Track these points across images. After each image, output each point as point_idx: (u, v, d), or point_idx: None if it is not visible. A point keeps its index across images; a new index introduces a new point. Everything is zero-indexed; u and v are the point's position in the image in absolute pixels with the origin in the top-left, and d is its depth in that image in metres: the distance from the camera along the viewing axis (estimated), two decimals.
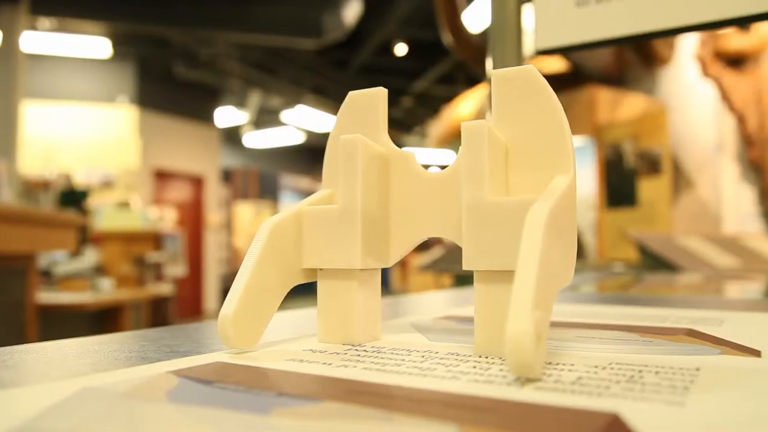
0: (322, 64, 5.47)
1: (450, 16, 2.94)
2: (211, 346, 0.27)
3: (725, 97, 3.06)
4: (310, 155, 8.47)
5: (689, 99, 3.27)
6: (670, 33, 0.51)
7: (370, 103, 0.30)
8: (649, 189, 3.22)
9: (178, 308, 4.76)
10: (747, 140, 3.06)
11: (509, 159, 0.26)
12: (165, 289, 3.60)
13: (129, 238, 3.62)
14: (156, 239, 3.83)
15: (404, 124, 6.89)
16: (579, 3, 0.54)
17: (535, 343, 0.19)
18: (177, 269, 3.98)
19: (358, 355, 0.24)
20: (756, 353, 0.24)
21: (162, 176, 5.35)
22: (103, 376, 0.20)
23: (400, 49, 5.05)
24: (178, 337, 0.30)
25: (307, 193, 7.96)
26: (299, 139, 7.34)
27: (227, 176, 6.53)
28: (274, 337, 0.29)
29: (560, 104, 0.26)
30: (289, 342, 0.28)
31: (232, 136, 7.05)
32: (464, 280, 2.30)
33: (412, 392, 0.18)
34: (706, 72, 3.07)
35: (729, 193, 3.11)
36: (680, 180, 3.27)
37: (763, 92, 3.07)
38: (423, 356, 0.24)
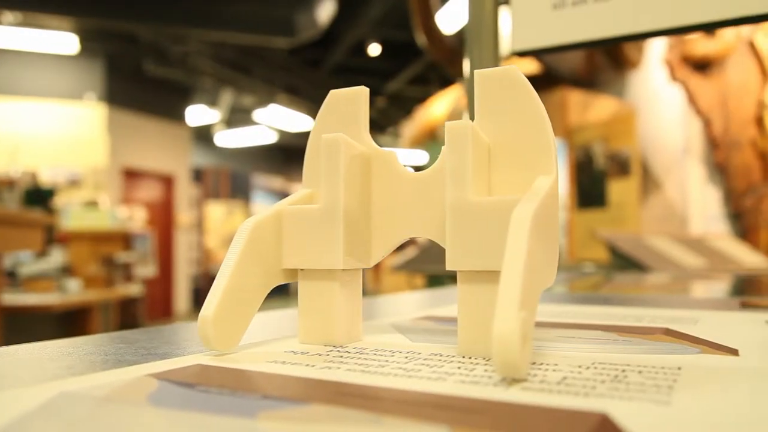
0: (296, 64, 5.44)
1: (424, 17, 2.95)
2: (189, 348, 0.27)
3: (692, 101, 3.13)
4: (282, 155, 8.41)
5: (657, 102, 3.33)
6: (643, 36, 0.52)
7: (352, 102, 0.30)
8: (619, 190, 3.28)
9: (147, 309, 4.69)
10: (713, 143, 3.14)
11: (492, 159, 0.26)
12: (134, 289, 3.54)
13: (97, 237, 3.55)
14: (125, 239, 3.76)
15: (377, 124, 6.89)
16: (555, 5, 0.55)
17: (521, 344, 0.19)
18: (147, 270, 3.91)
19: (341, 357, 0.24)
20: (734, 352, 0.25)
21: (131, 175, 5.26)
22: (80, 380, 0.20)
23: (374, 50, 5.05)
24: (155, 339, 0.29)
25: (279, 193, 7.91)
26: (272, 138, 7.29)
27: (198, 175, 6.45)
28: (252, 339, 0.28)
29: (543, 105, 0.26)
30: (269, 343, 0.28)
31: (203, 134, 6.97)
32: (437, 280, 2.31)
33: (400, 394, 0.18)
34: (673, 76, 3.13)
35: (695, 194, 3.18)
36: (648, 182, 3.34)
37: (727, 96, 3.15)
38: (407, 357, 0.24)
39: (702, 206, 3.17)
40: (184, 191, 5.83)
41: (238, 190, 6.96)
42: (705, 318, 0.37)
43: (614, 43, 0.54)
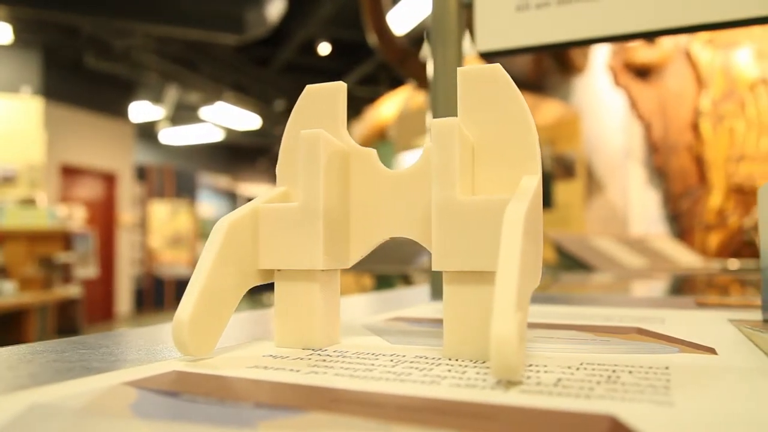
0: (244, 61, 5.35)
1: (375, 17, 2.94)
2: (160, 353, 0.25)
3: (633, 106, 3.25)
4: (229, 153, 8.25)
5: (601, 107, 3.43)
6: (605, 40, 0.53)
7: (329, 97, 0.29)
8: (565, 192, 3.36)
9: (87, 312, 4.52)
10: (653, 147, 3.26)
11: (475, 157, 0.26)
12: (73, 291, 3.40)
13: (34, 237, 3.39)
14: (65, 239, 3.61)
15: None
16: (519, 7, 0.55)
17: (519, 346, 0.18)
18: (88, 270, 3.77)
19: (324, 361, 0.23)
20: (711, 351, 0.25)
21: (70, 172, 5.05)
22: (50, 390, 0.18)
23: (324, 49, 5.02)
24: (120, 344, 0.27)
25: (226, 193, 7.77)
26: (218, 136, 7.14)
27: (142, 173, 6.25)
28: (222, 343, 0.27)
29: (526, 104, 0.26)
30: (243, 347, 0.26)
31: (147, 131, 6.76)
32: (385, 281, 2.31)
33: (398, 399, 0.17)
34: (616, 82, 3.24)
35: (636, 196, 3.29)
36: (592, 184, 3.43)
37: (666, 103, 3.27)
38: (392, 360, 0.23)
39: (642, 208, 3.29)
40: (127, 189, 5.64)
41: (184, 189, 6.79)
42: (670, 317, 0.38)
43: (577, 46, 0.55)
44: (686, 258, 2.51)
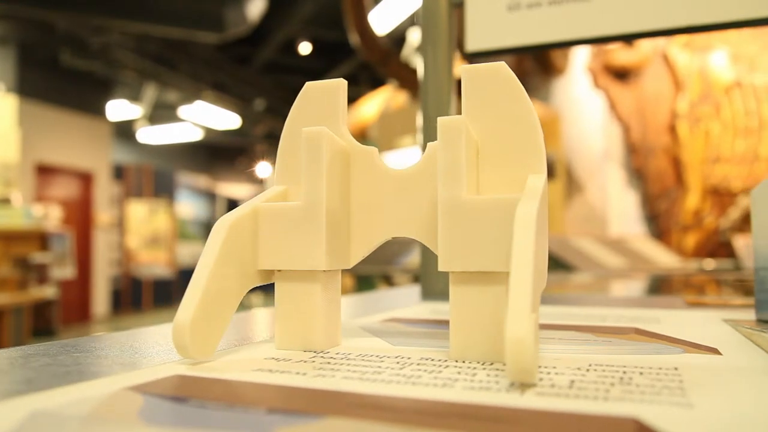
0: (223, 60, 5.30)
1: (357, 17, 2.94)
2: (157, 355, 0.25)
3: (612, 108, 3.28)
4: (208, 153, 8.18)
5: (581, 108, 3.46)
6: (595, 41, 0.53)
7: (329, 94, 0.28)
8: None
9: (63, 313, 4.44)
10: (631, 149, 3.30)
11: (479, 156, 0.26)
12: (49, 292, 3.34)
13: (9, 237, 3.32)
14: (41, 239, 3.54)
15: None
16: (510, 7, 0.55)
17: (534, 348, 0.18)
18: (65, 271, 3.70)
19: (328, 363, 0.23)
20: (715, 351, 0.25)
21: (45, 171, 4.96)
22: (49, 396, 0.17)
23: (304, 48, 4.99)
24: (113, 346, 0.27)
25: (205, 193, 7.69)
26: (197, 136, 7.07)
27: (119, 173, 6.16)
28: (219, 345, 0.27)
29: (532, 103, 0.25)
30: (243, 350, 0.26)
31: (124, 130, 6.67)
32: (366, 281, 2.31)
33: (415, 403, 0.17)
34: (596, 83, 3.27)
35: (615, 197, 3.33)
36: (572, 185, 3.46)
37: (644, 105, 3.32)
38: (398, 362, 0.23)
39: (621, 209, 3.32)
40: (104, 189, 5.56)
41: (162, 189, 6.70)
42: (664, 317, 0.38)
43: (568, 46, 0.55)
44: (664, 258, 2.54)
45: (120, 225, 6.01)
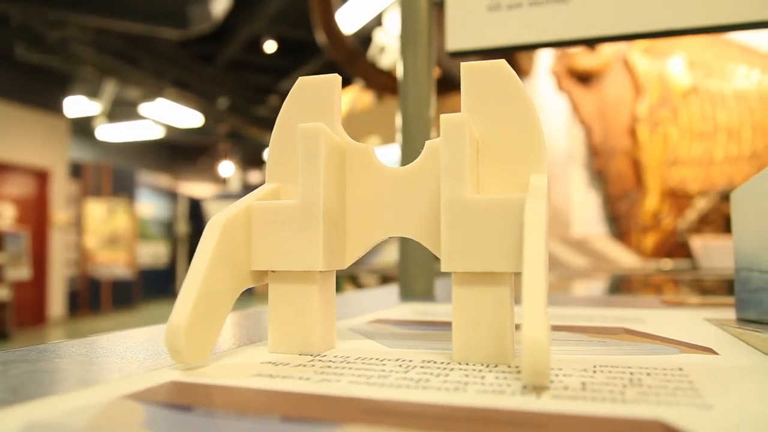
0: (187, 57, 5.21)
1: (324, 16, 2.92)
2: (144, 360, 0.23)
3: (575, 111, 3.34)
4: (170, 151, 8.02)
5: (545, 110, 3.51)
6: (574, 43, 0.54)
7: (324, 90, 0.28)
8: None
9: (16, 315, 4.30)
10: (593, 151, 3.36)
11: (479, 155, 0.25)
12: (2, 294, 3.23)
13: None
14: None
15: (270, 122, 6.74)
16: (491, 8, 0.55)
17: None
18: (20, 272, 3.58)
19: (329, 367, 0.22)
20: (711, 351, 0.25)
21: None
22: (42, 406, 0.16)
23: (270, 47, 4.94)
24: (96, 351, 0.25)
25: (167, 192, 7.54)
26: (158, 134, 6.93)
27: (77, 171, 5.99)
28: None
29: (533, 101, 0.25)
30: (236, 354, 0.25)
31: (83, 127, 6.49)
32: None
33: (434, 409, 0.16)
34: (559, 86, 3.32)
35: (577, 198, 3.39)
36: None
37: (606, 108, 3.38)
38: (400, 365, 0.22)
39: (583, 209, 3.39)
40: (61, 187, 5.40)
41: (122, 188, 6.54)
42: (648, 317, 0.38)
43: (548, 47, 0.55)
44: (625, 258, 2.60)
45: (78, 224, 5.85)
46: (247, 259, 0.25)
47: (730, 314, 0.39)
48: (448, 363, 0.23)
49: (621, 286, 0.97)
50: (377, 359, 0.23)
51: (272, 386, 0.19)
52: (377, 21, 3.69)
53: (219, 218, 0.24)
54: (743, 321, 0.36)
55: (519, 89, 0.25)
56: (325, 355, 0.24)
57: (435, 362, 0.23)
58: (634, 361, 0.23)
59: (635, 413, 0.15)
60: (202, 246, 0.23)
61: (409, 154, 0.55)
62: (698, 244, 2.87)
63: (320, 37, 2.97)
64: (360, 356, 0.24)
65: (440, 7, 0.58)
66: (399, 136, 0.58)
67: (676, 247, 3.26)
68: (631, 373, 0.20)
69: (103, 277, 6.09)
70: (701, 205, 3.30)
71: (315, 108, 0.27)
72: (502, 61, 0.25)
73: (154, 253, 7.00)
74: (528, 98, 0.25)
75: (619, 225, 3.35)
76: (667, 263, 2.78)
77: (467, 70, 0.26)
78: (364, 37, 3.83)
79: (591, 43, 0.53)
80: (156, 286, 7.02)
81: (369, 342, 0.28)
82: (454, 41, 0.57)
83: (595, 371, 0.21)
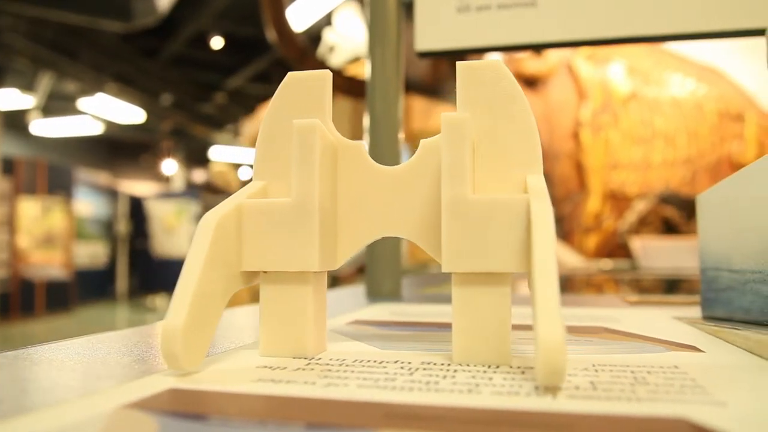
0: (129, 51, 5.05)
1: (274, 13, 2.88)
2: (130, 366, 0.22)
3: None
4: (109, 148, 7.75)
5: None
6: (541, 47, 0.55)
7: (314, 85, 0.27)
8: None
9: None
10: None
11: (475, 155, 0.25)
12: None
13: None
14: None
15: (216, 120, 6.62)
16: (460, 9, 0.56)
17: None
18: None
19: (329, 371, 0.21)
20: (696, 349, 0.26)
21: None
22: (35, 418, 0.15)
23: (216, 43, 4.84)
24: (73, 356, 0.24)
25: (107, 190, 7.28)
26: (97, 130, 6.68)
27: (9, 167, 5.71)
28: None
29: (528, 101, 0.25)
30: (227, 358, 0.24)
31: (15, 121, 6.19)
32: None
33: (455, 412, 0.16)
34: None
35: None
36: None
37: (551, 112, 3.47)
38: (402, 368, 0.22)
39: None
40: None
41: (58, 185, 6.27)
42: (620, 316, 0.39)
43: (515, 50, 0.56)
44: (570, 259, 2.67)
45: (9, 223, 5.58)
46: (239, 259, 0.24)
47: (694, 312, 0.41)
48: (449, 364, 0.22)
49: (566, 285, 0.99)
50: (375, 362, 0.23)
51: (278, 392, 0.18)
52: (327, 20, 3.67)
53: (211, 218, 0.23)
54: (710, 319, 0.37)
55: (515, 89, 0.25)
56: (320, 359, 0.24)
57: (436, 364, 0.22)
58: (629, 360, 0.23)
59: (657, 412, 0.16)
60: (195, 246, 0.22)
61: (377, 154, 0.55)
62: (637, 244, 2.98)
63: (270, 35, 2.93)
64: (356, 359, 0.23)
65: (409, 7, 0.58)
66: (366, 136, 0.57)
67: (617, 248, 3.37)
68: (632, 372, 0.21)
69: (36, 278, 5.83)
70: (640, 207, 3.42)
71: (305, 104, 0.27)
72: (498, 61, 0.25)
73: (92, 253, 6.75)
74: (523, 98, 0.25)
75: (563, 226, 3.44)
76: (608, 263, 2.87)
77: (462, 69, 0.25)
78: (314, 36, 3.80)
79: (558, 46, 0.54)
80: (94, 287, 6.77)
81: (358, 344, 0.27)
82: (423, 41, 0.57)
83: (597, 370, 0.21)
